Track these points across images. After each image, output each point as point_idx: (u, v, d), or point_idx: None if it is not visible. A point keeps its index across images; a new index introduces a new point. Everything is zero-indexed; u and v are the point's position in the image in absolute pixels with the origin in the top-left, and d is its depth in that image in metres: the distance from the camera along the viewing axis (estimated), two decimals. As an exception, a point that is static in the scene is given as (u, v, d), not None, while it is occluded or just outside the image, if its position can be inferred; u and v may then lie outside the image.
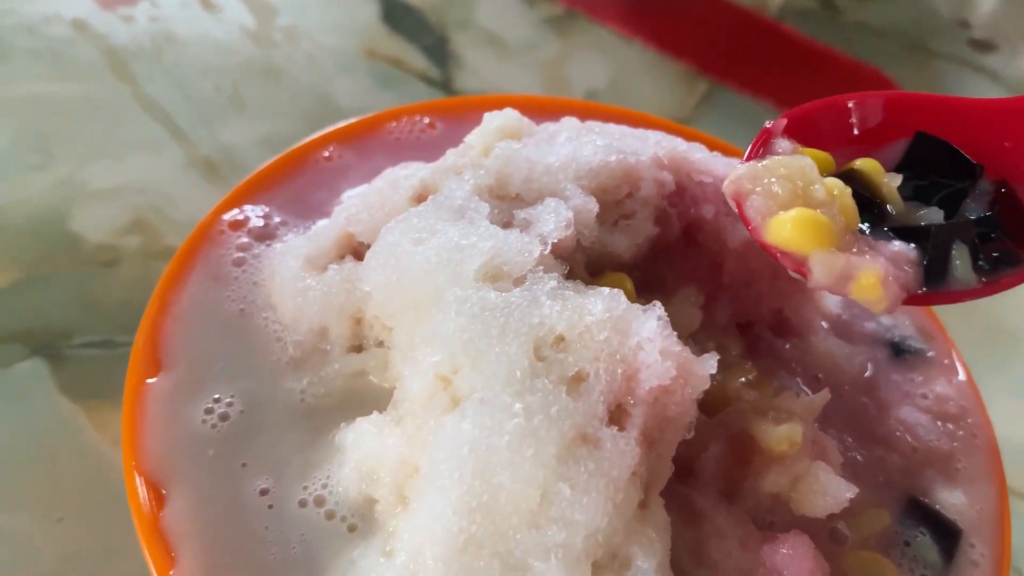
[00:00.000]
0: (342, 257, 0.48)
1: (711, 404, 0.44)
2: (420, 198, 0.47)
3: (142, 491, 0.42)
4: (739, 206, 0.40)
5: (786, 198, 0.39)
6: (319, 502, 0.42)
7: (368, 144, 0.59)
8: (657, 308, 0.39)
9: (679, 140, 0.49)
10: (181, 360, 0.46)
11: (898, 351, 0.54)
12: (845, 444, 0.49)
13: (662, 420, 0.39)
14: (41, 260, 0.67)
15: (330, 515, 0.42)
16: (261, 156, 0.77)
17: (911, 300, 0.39)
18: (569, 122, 0.50)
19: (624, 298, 0.39)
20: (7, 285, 0.66)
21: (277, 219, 0.53)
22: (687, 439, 0.40)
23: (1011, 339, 0.78)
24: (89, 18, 0.85)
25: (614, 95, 0.92)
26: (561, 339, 0.39)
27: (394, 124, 0.61)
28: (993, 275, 0.41)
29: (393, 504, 0.41)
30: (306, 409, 0.45)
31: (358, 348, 0.47)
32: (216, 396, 0.45)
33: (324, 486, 0.43)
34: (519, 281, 0.41)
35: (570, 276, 0.43)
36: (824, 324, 0.53)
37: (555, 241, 0.42)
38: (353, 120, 0.60)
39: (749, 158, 0.42)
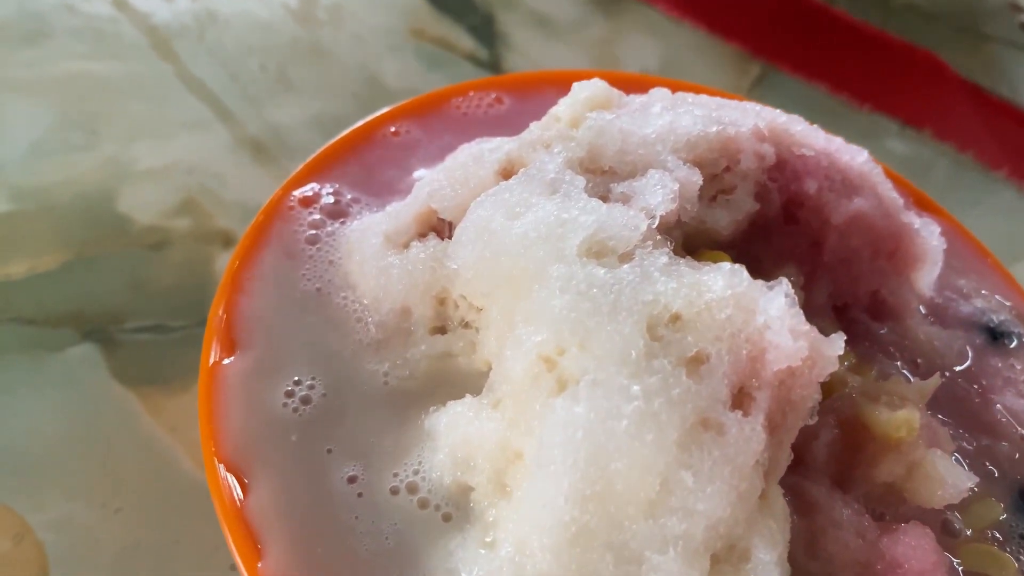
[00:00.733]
0: (423, 235, 0.46)
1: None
2: (507, 173, 0.45)
3: (224, 479, 0.39)
4: None
5: None
6: (412, 489, 0.40)
7: (436, 120, 0.57)
8: (784, 285, 0.36)
9: (778, 112, 0.46)
10: (258, 340, 0.44)
11: (995, 336, 0.52)
12: (952, 432, 0.46)
13: (785, 404, 0.36)
14: (90, 242, 0.65)
15: (423, 504, 0.40)
16: (311, 136, 0.75)
17: None
18: (661, 92, 0.47)
19: (746, 274, 0.37)
20: (56, 267, 0.63)
21: (348, 196, 0.51)
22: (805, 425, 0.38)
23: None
24: (130, -4, 0.82)
25: (666, 77, 0.89)
26: (677, 317, 0.36)
27: (461, 99, 0.58)
28: None
29: (492, 492, 0.39)
30: (391, 392, 0.43)
31: (442, 329, 0.45)
32: (296, 378, 0.43)
33: (416, 472, 0.40)
34: (626, 257, 0.38)
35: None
36: (921, 308, 0.51)
37: (662, 215, 0.40)
38: (419, 96, 0.58)
39: None
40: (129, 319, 0.62)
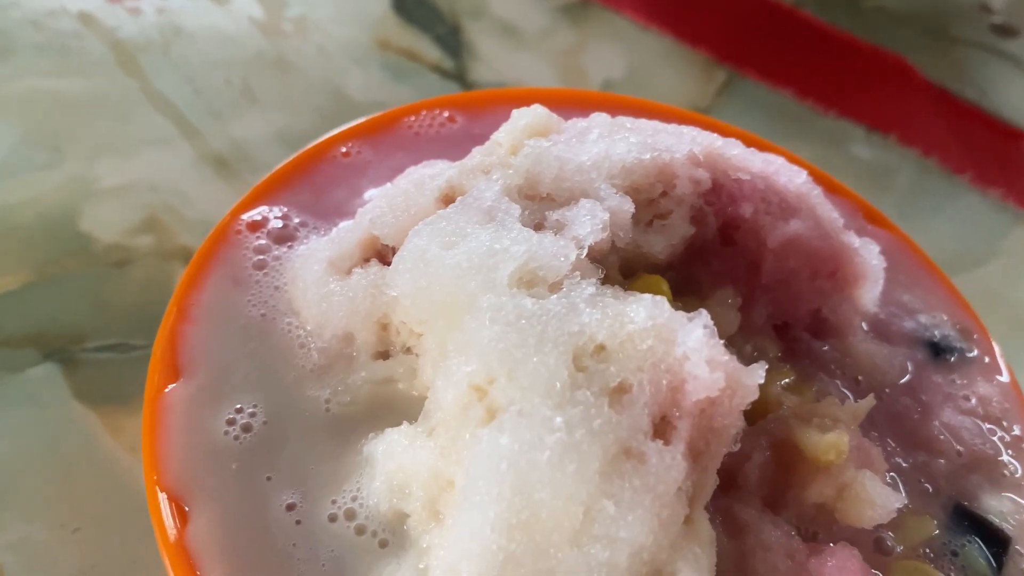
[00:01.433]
0: (367, 260, 0.46)
1: (752, 410, 0.42)
2: (447, 199, 0.46)
3: (165, 508, 0.40)
4: None
5: None
6: (349, 516, 0.41)
7: (387, 140, 0.57)
8: (703, 316, 0.37)
9: (715, 136, 0.47)
10: (201, 367, 0.45)
11: (938, 351, 0.52)
12: (888, 449, 0.47)
13: (707, 432, 0.37)
14: (51, 261, 0.66)
15: (360, 530, 0.40)
16: (273, 151, 0.75)
17: None
18: (599, 118, 0.48)
19: (667, 305, 0.37)
20: (17, 287, 0.64)
21: (296, 220, 0.51)
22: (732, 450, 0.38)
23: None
24: (95, 11, 0.83)
25: (632, 85, 0.90)
26: (602, 348, 0.37)
27: (413, 119, 0.59)
28: None
29: (426, 519, 0.39)
30: (332, 419, 0.44)
31: (384, 355, 0.46)
32: (238, 406, 0.44)
33: (354, 498, 0.41)
34: (555, 287, 0.39)
35: (605, 280, 0.41)
36: (864, 325, 0.51)
37: (591, 244, 0.40)
38: (371, 116, 0.59)
39: None
40: (90, 338, 0.63)
